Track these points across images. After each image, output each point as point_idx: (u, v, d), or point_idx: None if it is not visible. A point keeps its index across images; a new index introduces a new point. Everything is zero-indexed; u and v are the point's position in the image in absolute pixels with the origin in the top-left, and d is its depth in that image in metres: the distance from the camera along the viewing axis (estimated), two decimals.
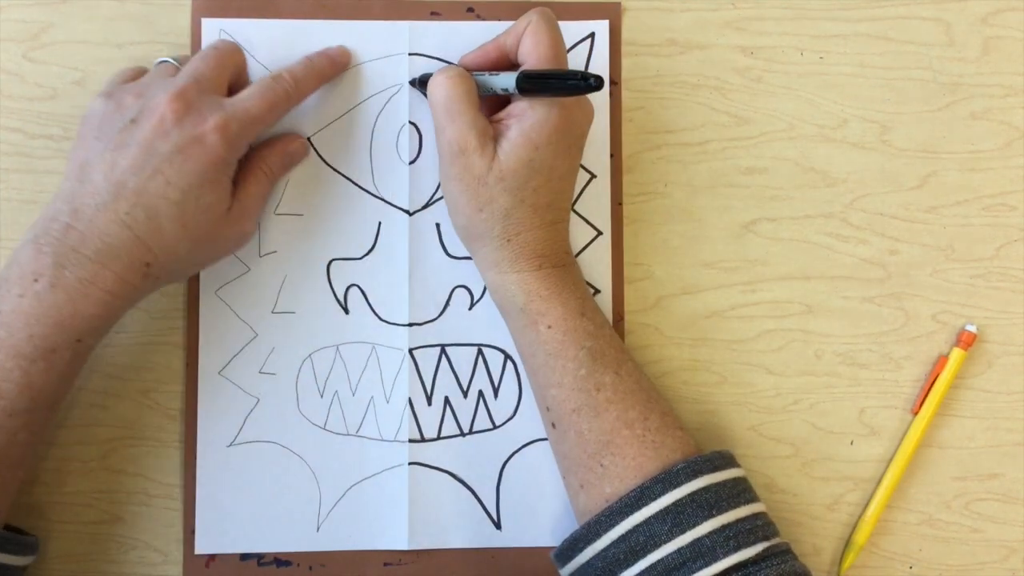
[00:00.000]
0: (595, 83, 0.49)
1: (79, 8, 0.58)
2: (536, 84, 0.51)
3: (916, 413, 0.58)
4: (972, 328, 0.59)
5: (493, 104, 0.54)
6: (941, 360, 0.59)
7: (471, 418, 0.58)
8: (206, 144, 0.50)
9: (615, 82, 0.59)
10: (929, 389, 0.58)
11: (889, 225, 0.60)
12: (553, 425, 0.53)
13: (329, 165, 0.58)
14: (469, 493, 0.57)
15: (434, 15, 0.59)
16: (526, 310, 0.53)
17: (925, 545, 0.59)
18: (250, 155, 0.55)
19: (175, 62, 0.55)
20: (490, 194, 0.52)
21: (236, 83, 0.54)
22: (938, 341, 0.59)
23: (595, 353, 0.52)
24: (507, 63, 0.54)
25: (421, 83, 0.57)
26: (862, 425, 0.59)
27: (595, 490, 0.51)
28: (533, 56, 0.52)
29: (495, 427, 0.58)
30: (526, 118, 0.51)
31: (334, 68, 0.57)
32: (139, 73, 0.55)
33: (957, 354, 0.58)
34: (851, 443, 0.59)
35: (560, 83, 0.50)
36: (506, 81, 0.52)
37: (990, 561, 0.59)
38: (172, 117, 0.50)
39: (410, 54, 0.58)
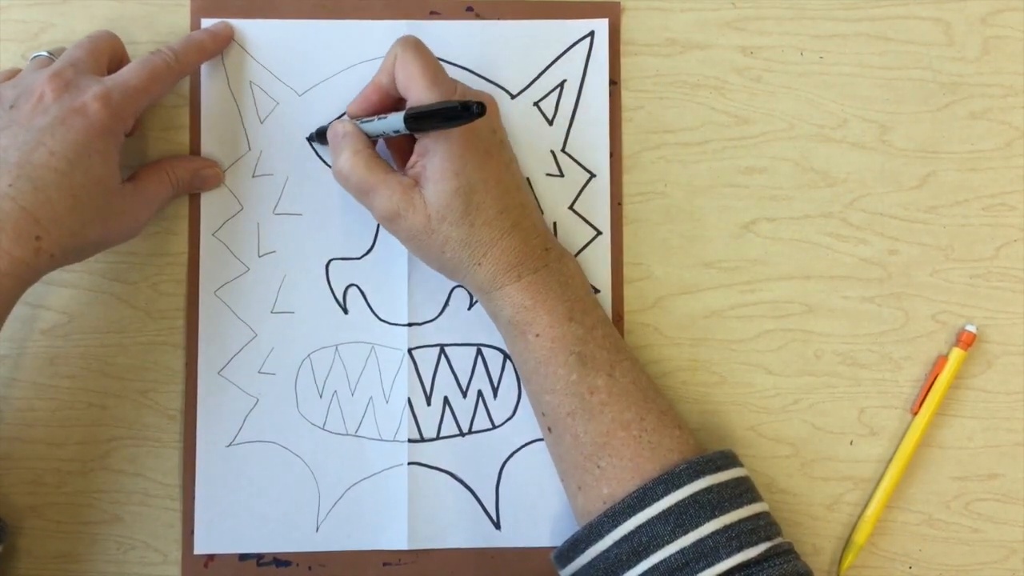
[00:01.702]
0: (477, 109, 0.47)
1: (79, 8, 0.58)
2: (421, 123, 0.50)
3: (916, 413, 0.58)
4: (972, 328, 0.59)
5: (404, 140, 0.54)
6: (941, 360, 0.59)
7: (470, 418, 0.58)
8: (88, 113, 0.50)
9: (615, 82, 0.59)
10: (929, 389, 0.58)
11: (889, 225, 0.60)
12: (549, 429, 0.53)
13: (328, 165, 0.58)
14: (468, 493, 0.57)
15: (433, 15, 0.59)
16: (513, 321, 0.53)
17: (925, 545, 0.59)
18: (160, 160, 0.56)
19: (50, 55, 0.55)
20: (442, 236, 0.52)
21: (117, 69, 0.54)
22: (938, 341, 0.59)
23: (585, 357, 0.52)
24: (391, 101, 0.54)
25: (319, 136, 0.57)
26: (862, 425, 0.59)
27: (593, 492, 0.51)
28: (412, 90, 0.51)
29: (494, 427, 0.58)
30: (434, 152, 0.51)
31: (215, 42, 0.57)
32: (12, 74, 0.54)
33: (957, 354, 0.58)
34: (851, 443, 0.59)
35: (444, 116, 0.49)
36: (395, 123, 0.51)
37: (990, 561, 0.59)
38: (51, 95, 0.50)
39: None
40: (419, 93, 0.51)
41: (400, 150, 0.56)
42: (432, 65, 0.52)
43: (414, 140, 0.53)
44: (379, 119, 0.53)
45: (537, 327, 0.52)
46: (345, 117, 0.56)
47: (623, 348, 0.54)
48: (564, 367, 0.52)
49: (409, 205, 0.51)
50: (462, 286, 0.58)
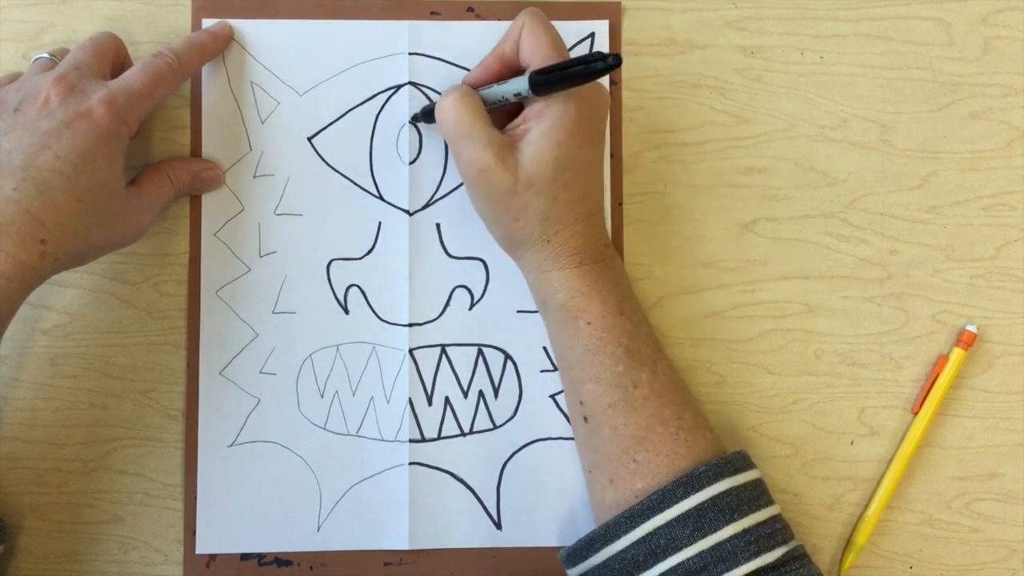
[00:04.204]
0: (613, 61, 0.47)
1: (79, 8, 0.59)
2: (550, 78, 0.50)
3: (916, 413, 0.58)
4: (972, 328, 0.59)
5: (505, 115, 0.54)
6: (941, 360, 0.59)
7: (471, 418, 0.58)
8: (93, 118, 0.50)
9: (615, 82, 0.59)
10: (929, 389, 0.58)
11: (889, 225, 0.60)
12: (585, 419, 0.53)
13: (329, 165, 0.58)
14: (469, 493, 0.57)
15: (434, 15, 0.59)
16: (566, 306, 0.53)
17: (925, 545, 0.59)
18: (161, 161, 0.56)
19: (52, 57, 0.55)
20: (523, 202, 0.52)
21: (120, 71, 0.54)
22: (938, 341, 0.59)
23: (632, 351, 0.52)
24: (511, 71, 0.54)
25: (424, 115, 0.57)
26: (862, 425, 0.59)
27: (626, 485, 0.51)
28: (536, 56, 0.52)
29: (495, 427, 0.58)
30: (544, 118, 0.51)
31: (216, 42, 0.57)
32: (13, 78, 0.54)
33: (957, 354, 0.58)
34: (851, 443, 0.59)
35: (575, 70, 0.49)
36: (517, 85, 0.51)
37: (990, 561, 0.59)
38: (57, 99, 0.50)
39: (410, 54, 0.58)
40: (543, 60, 0.51)
41: (502, 126, 0.54)
42: (558, 37, 0.52)
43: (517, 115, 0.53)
44: (499, 84, 0.52)
45: (590, 315, 0.52)
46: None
47: (662, 348, 0.54)
48: (612, 358, 0.52)
49: (501, 162, 0.51)
50: (464, 285, 0.58)
